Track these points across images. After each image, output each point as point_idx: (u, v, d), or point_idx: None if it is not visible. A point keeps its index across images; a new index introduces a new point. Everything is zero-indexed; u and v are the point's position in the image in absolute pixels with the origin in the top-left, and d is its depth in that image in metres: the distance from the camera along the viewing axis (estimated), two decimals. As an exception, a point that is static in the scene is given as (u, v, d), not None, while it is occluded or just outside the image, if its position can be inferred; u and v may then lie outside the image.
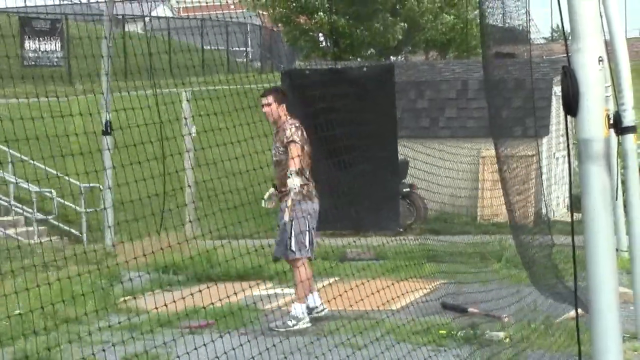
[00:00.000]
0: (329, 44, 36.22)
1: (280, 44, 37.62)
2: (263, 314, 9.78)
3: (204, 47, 30.36)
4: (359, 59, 33.97)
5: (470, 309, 10.18)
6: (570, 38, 4.55)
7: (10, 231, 17.54)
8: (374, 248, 13.15)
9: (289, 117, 10.21)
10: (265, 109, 10.25)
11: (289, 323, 9.85)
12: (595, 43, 4.52)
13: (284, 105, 10.28)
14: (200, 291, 7.95)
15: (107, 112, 14.89)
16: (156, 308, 8.08)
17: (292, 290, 10.41)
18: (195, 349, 7.50)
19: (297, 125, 10.11)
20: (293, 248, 10.00)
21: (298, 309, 9.95)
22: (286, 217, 9.89)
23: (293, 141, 9.96)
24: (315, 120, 10.69)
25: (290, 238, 9.98)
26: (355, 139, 11.13)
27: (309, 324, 9.87)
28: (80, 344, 8.43)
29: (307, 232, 10.05)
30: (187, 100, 15.80)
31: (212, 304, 8.94)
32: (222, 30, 34.98)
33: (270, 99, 10.24)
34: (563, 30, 4.61)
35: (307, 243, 10.04)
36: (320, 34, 36.33)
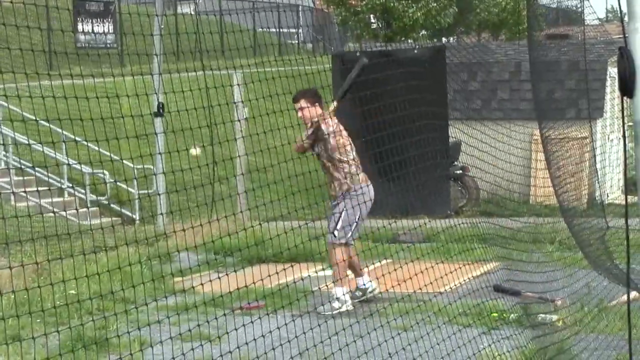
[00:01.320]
0: (380, 25, 36.05)
1: (331, 25, 37.52)
2: (312, 296, 9.79)
3: (256, 28, 30.31)
4: (410, 41, 33.78)
5: (524, 292, 10.09)
6: (626, 18, 4.45)
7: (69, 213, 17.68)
8: (425, 230, 13.06)
9: (323, 116, 10.25)
10: (300, 114, 10.26)
11: (334, 305, 9.95)
12: (653, 23, 4.40)
13: (318, 105, 10.29)
14: (252, 273, 7.94)
15: (157, 93, 14.93)
16: (201, 287, 8.08)
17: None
18: (244, 325, 7.50)
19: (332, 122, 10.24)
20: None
21: (339, 292, 10.05)
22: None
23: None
24: (366, 102, 10.64)
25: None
26: (406, 121, 11.07)
27: (351, 307, 9.96)
28: (135, 324, 8.47)
29: (340, 216, 10.20)
30: (238, 85, 15.76)
31: (262, 284, 8.94)
32: (273, 11, 34.92)
33: (302, 103, 10.23)
34: (620, 10, 4.52)
35: (339, 228, 10.17)
36: (372, 16, 36.17)
